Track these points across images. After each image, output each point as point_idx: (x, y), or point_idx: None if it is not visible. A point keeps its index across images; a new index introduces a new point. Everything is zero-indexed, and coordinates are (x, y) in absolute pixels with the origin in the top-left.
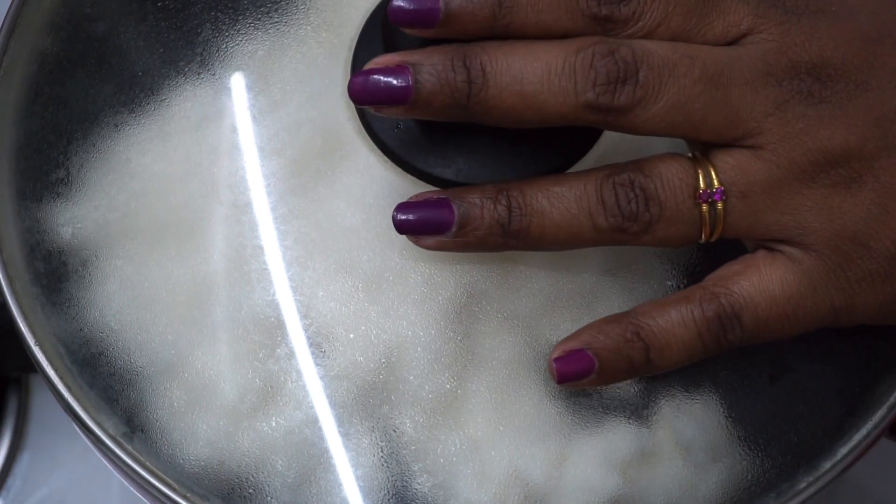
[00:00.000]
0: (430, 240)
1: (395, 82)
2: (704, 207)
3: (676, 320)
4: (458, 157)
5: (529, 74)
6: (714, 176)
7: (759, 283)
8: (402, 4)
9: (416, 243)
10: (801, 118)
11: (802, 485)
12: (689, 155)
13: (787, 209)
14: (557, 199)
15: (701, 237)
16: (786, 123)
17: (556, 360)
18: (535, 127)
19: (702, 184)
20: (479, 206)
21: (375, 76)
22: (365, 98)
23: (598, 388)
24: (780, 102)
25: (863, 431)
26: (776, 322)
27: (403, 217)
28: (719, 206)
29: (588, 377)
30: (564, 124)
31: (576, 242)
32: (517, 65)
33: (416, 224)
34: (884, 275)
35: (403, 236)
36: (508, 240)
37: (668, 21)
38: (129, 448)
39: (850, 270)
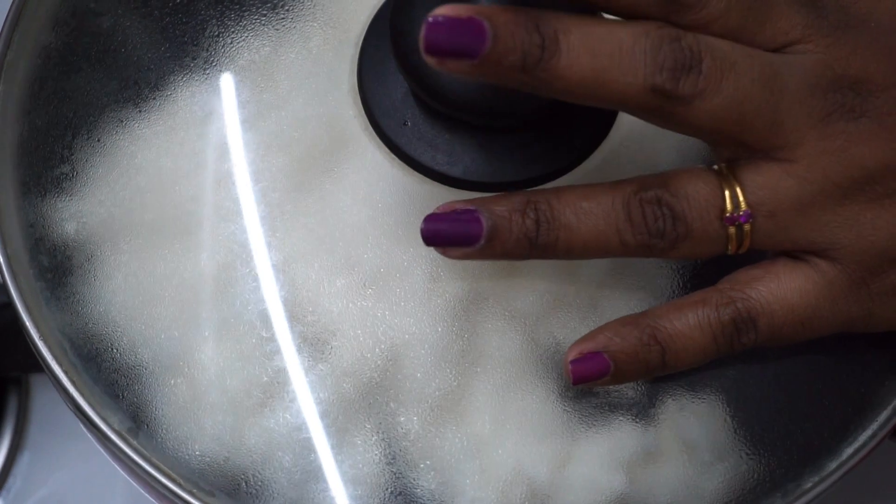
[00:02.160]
0: (457, 251)
1: (469, 34)
2: (731, 229)
3: (693, 324)
4: (465, 154)
5: (602, 48)
6: (741, 197)
7: (777, 290)
8: None
9: (443, 255)
10: (842, 134)
11: (808, 485)
12: (715, 167)
13: (817, 225)
14: (585, 215)
15: (727, 252)
16: (825, 138)
17: (572, 361)
18: (589, 105)
19: (728, 206)
20: (507, 219)
21: (449, 26)
22: (436, 47)
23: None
24: (823, 115)
25: (868, 432)
26: (790, 329)
27: (431, 229)
28: (746, 226)
29: (602, 379)
30: (619, 108)
31: (602, 255)
32: (590, 37)
33: (445, 237)
34: None
35: (409, 233)
36: (535, 252)
37: (729, 15)
38: (135, 443)
39: (873, 284)
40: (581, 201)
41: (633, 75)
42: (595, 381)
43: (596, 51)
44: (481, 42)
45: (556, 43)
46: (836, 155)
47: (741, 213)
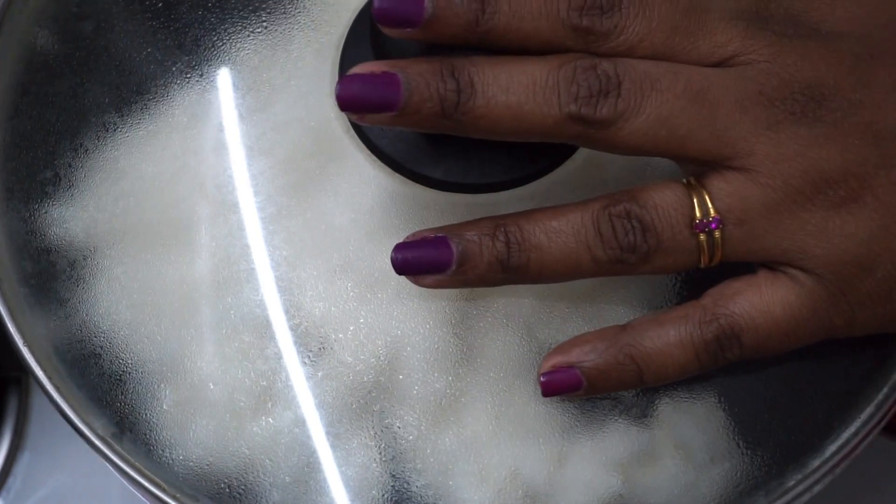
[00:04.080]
0: (429, 279)
1: (383, 89)
2: (702, 237)
3: (674, 341)
4: (447, 156)
5: (515, 86)
6: (710, 204)
7: (759, 303)
8: (387, 4)
9: (416, 283)
10: (795, 139)
11: (791, 482)
12: (684, 181)
13: (787, 233)
14: (555, 234)
15: (700, 264)
16: (779, 144)
17: (543, 374)
18: (519, 141)
19: (697, 213)
20: (477, 244)
21: (362, 82)
22: (352, 103)
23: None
24: (772, 123)
25: (851, 429)
26: (775, 341)
27: (401, 257)
28: (716, 234)
29: (574, 393)
30: (548, 140)
31: (575, 275)
32: (504, 76)
33: (415, 265)
34: (885, 296)
35: (392, 236)
36: (508, 275)
37: (652, 37)
38: (119, 448)
39: (851, 294)
40: (550, 221)
41: (549, 106)
42: (566, 394)
43: (510, 88)
44: (396, 95)
45: (472, 85)
46: (793, 160)
47: (710, 219)
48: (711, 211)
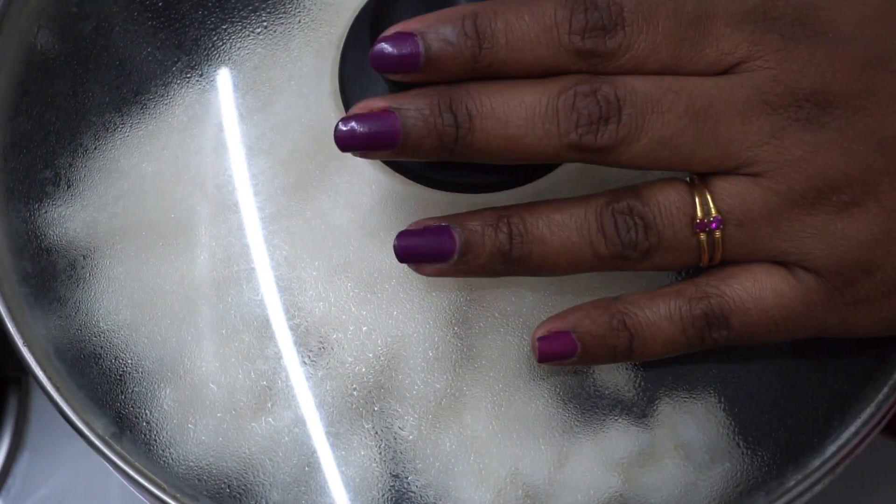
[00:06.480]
0: (431, 268)
1: (381, 128)
2: (702, 236)
3: (664, 314)
4: None
5: (513, 118)
6: (711, 204)
7: (752, 288)
8: (384, 51)
9: (417, 271)
10: (800, 145)
11: (791, 483)
12: (687, 179)
13: (787, 236)
14: (558, 227)
15: (700, 263)
16: (784, 150)
17: (539, 339)
18: (524, 163)
19: (699, 212)
20: (479, 234)
21: (361, 122)
22: (352, 144)
23: (581, 367)
24: (776, 130)
25: (852, 429)
26: (764, 328)
27: (404, 245)
28: (717, 234)
29: (569, 359)
30: (552, 162)
31: (576, 269)
32: (501, 108)
33: (418, 253)
34: (881, 298)
35: (392, 236)
36: (509, 267)
37: (658, 52)
38: (119, 448)
39: (848, 294)
40: (553, 214)
41: (549, 137)
42: (561, 360)
43: (508, 120)
44: (395, 134)
45: (469, 120)
46: (798, 166)
47: (711, 219)
48: (713, 211)
